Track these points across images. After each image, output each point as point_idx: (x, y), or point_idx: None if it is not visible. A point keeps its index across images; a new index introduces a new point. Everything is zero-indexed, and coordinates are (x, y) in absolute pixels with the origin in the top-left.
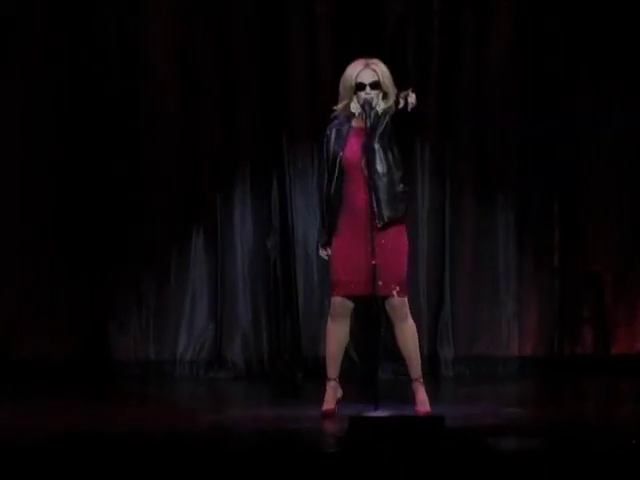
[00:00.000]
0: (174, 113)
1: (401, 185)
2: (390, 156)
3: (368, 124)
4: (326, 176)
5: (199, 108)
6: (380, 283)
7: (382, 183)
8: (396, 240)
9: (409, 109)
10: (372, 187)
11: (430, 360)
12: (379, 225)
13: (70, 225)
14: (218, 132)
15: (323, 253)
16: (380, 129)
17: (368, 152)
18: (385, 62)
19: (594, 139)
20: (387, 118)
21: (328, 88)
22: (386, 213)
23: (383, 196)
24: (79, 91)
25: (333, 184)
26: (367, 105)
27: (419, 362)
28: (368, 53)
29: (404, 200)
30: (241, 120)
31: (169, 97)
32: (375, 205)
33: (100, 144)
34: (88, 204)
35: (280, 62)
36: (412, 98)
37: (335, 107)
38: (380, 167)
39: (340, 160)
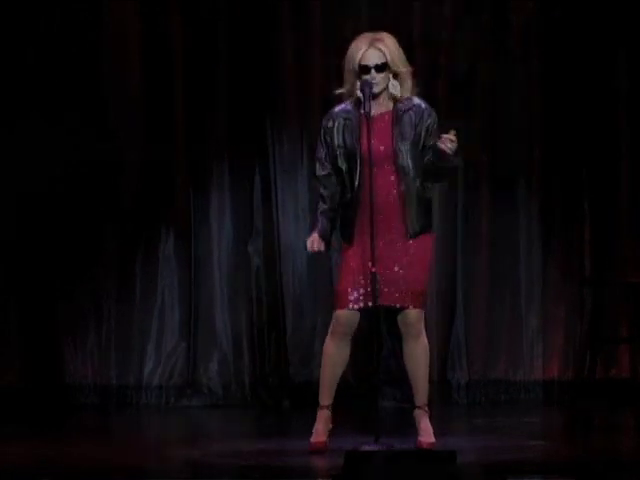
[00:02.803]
0: (140, 94)
1: (427, 190)
2: (417, 154)
3: (366, 108)
4: (325, 174)
5: (168, 90)
6: (397, 294)
7: (411, 186)
8: (422, 246)
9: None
10: (401, 190)
11: (440, 385)
12: (410, 237)
13: (16, 225)
14: (191, 118)
15: (315, 246)
16: (407, 121)
17: (393, 145)
18: (385, 31)
19: (630, 124)
20: (418, 112)
21: (320, 66)
22: (419, 223)
23: (414, 202)
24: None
25: (355, 184)
26: (366, 87)
27: (427, 387)
28: (366, 23)
29: (431, 208)
30: (218, 104)
31: (134, 74)
32: (406, 213)
33: (51, 133)
34: (37, 200)
35: (265, 33)
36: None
37: (337, 91)
38: (408, 165)
39: (359, 155)
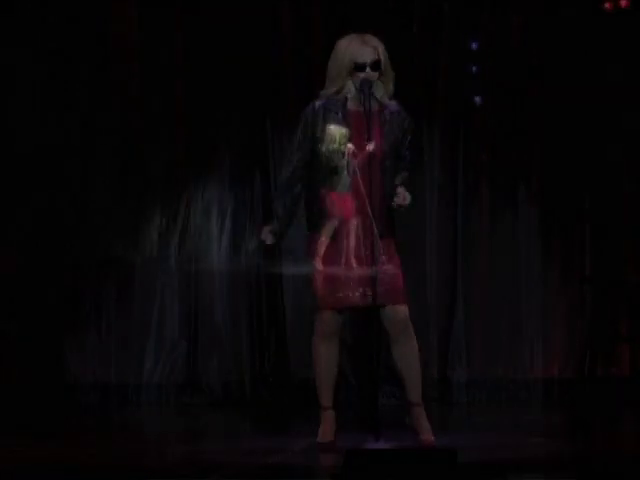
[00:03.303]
0: (140, 94)
1: (395, 199)
2: (396, 160)
3: (366, 107)
4: (292, 167)
5: (168, 90)
6: (382, 292)
7: (390, 186)
8: (393, 245)
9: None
10: (383, 189)
11: (440, 384)
12: (384, 236)
13: (14, 222)
14: (191, 118)
15: (268, 237)
16: (392, 123)
17: (382, 145)
18: (386, 30)
19: (630, 122)
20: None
21: (320, 65)
22: (392, 224)
23: (388, 202)
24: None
25: (341, 177)
26: (365, 85)
27: (420, 384)
28: (367, 22)
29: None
30: (218, 104)
31: (134, 74)
32: (383, 213)
33: (51, 133)
34: (37, 201)
35: (265, 33)
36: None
37: (323, 91)
38: (391, 165)
39: (346, 151)
